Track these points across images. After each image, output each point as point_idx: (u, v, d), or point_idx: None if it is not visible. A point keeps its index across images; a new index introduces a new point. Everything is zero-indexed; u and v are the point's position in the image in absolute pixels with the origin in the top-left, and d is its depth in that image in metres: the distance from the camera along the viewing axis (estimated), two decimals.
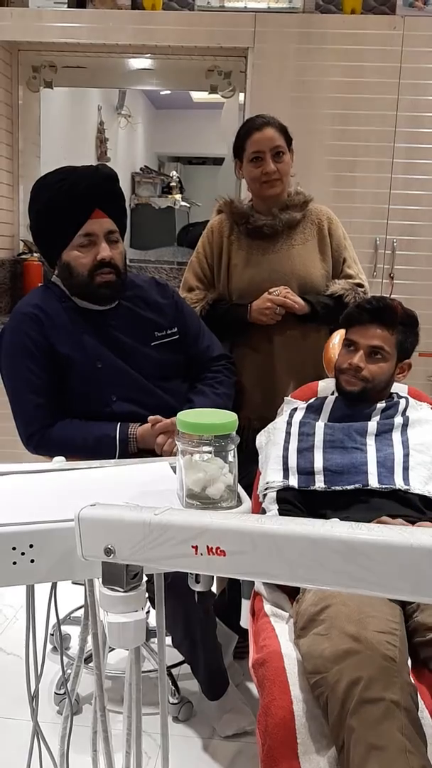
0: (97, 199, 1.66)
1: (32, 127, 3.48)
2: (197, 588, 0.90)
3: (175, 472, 1.10)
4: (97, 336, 1.71)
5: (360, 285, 2.05)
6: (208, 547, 0.72)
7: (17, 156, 3.39)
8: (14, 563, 0.85)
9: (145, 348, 1.77)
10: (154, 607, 1.61)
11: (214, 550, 0.71)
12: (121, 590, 0.80)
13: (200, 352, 1.90)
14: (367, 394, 1.67)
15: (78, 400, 1.69)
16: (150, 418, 1.64)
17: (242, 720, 1.72)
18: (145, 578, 0.84)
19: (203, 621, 1.67)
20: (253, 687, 1.81)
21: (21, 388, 1.67)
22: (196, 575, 0.89)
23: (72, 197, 1.63)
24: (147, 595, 0.84)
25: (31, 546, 0.85)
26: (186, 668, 1.82)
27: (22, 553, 0.85)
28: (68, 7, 3.05)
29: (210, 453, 0.97)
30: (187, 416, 0.98)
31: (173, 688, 1.82)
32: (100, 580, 0.82)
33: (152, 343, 1.79)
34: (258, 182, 1.99)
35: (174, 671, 1.90)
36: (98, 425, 1.66)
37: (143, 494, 1.04)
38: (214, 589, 2.05)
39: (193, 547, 0.72)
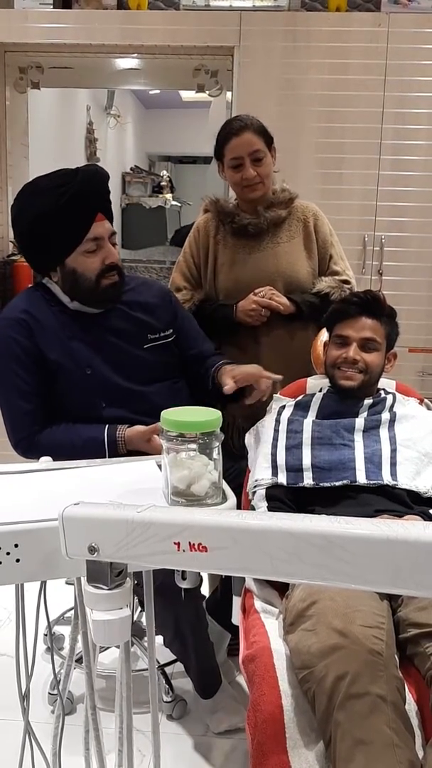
0: (100, 202, 1.64)
1: (20, 129, 3.47)
2: (184, 585, 0.91)
3: (161, 469, 1.11)
4: (88, 340, 1.69)
5: (346, 282, 2.05)
6: (190, 543, 0.72)
7: (5, 157, 3.38)
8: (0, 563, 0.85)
9: (138, 351, 1.75)
10: (143, 609, 1.62)
11: (196, 546, 0.72)
12: (106, 588, 0.80)
13: (195, 353, 1.88)
14: (364, 387, 1.68)
15: (68, 406, 1.68)
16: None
17: (235, 716, 1.73)
18: (134, 581, 0.84)
19: (193, 624, 1.67)
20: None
21: (9, 394, 1.66)
22: (183, 572, 0.90)
23: (76, 203, 1.59)
24: (137, 599, 0.85)
25: (16, 545, 0.86)
26: (180, 666, 1.82)
27: (8, 553, 0.85)
28: (54, 7, 3.04)
29: (195, 450, 0.97)
30: (171, 414, 0.99)
31: (167, 686, 1.83)
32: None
33: (145, 346, 1.76)
34: (240, 187, 1.99)
35: (168, 669, 1.91)
36: (86, 428, 1.65)
37: (129, 493, 1.05)
38: (206, 588, 2.06)
39: (175, 543, 0.73)
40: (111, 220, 1.70)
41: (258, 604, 1.42)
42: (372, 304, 1.69)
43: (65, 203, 1.59)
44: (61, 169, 1.66)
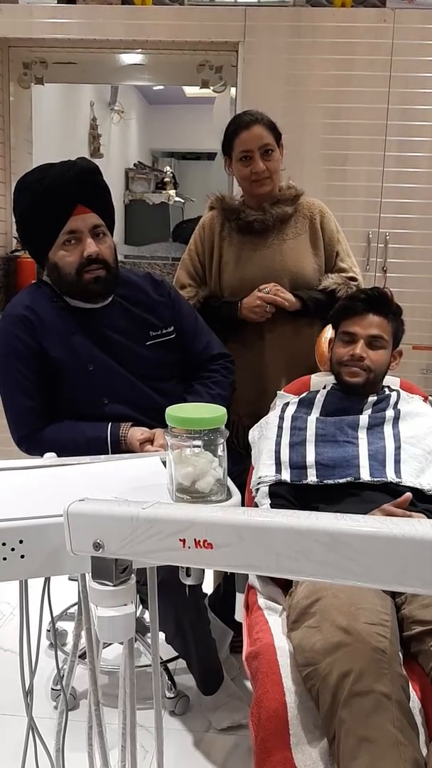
0: (78, 194, 1.61)
1: (24, 124, 3.46)
2: (188, 581, 0.90)
3: (165, 466, 1.11)
4: (89, 336, 1.68)
5: (353, 279, 2.05)
6: (195, 540, 0.72)
7: (9, 153, 3.38)
8: (4, 558, 0.85)
9: (140, 348, 1.73)
10: (146, 608, 1.62)
11: (201, 543, 0.72)
12: (111, 584, 0.80)
13: (197, 351, 1.86)
14: (369, 384, 1.68)
15: (70, 402, 1.68)
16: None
17: (238, 713, 1.73)
18: (135, 578, 0.84)
19: (194, 621, 1.67)
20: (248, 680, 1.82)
21: (12, 390, 1.66)
22: (187, 569, 0.90)
23: (51, 196, 1.59)
24: (138, 596, 0.85)
25: (21, 541, 0.86)
26: (182, 663, 1.82)
27: (12, 549, 0.85)
28: (58, 2, 3.04)
29: (199, 447, 0.97)
30: (176, 411, 0.98)
31: (170, 682, 1.83)
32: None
33: (147, 343, 1.75)
34: (248, 181, 1.97)
35: (170, 666, 1.91)
36: (90, 426, 1.64)
37: (134, 489, 1.05)
38: (210, 585, 2.06)
39: (180, 540, 0.73)
40: (104, 213, 1.67)
41: (261, 600, 1.42)
42: (379, 301, 1.69)
43: (40, 197, 1.60)
44: (45, 163, 1.67)
